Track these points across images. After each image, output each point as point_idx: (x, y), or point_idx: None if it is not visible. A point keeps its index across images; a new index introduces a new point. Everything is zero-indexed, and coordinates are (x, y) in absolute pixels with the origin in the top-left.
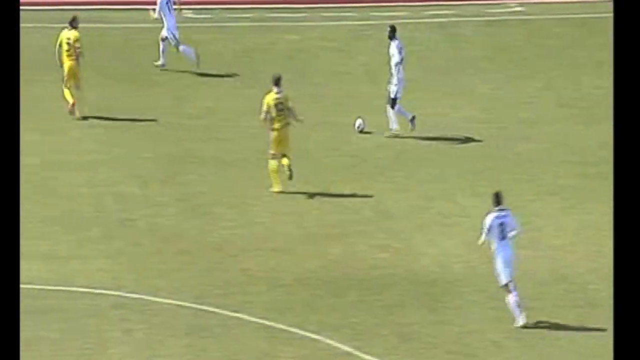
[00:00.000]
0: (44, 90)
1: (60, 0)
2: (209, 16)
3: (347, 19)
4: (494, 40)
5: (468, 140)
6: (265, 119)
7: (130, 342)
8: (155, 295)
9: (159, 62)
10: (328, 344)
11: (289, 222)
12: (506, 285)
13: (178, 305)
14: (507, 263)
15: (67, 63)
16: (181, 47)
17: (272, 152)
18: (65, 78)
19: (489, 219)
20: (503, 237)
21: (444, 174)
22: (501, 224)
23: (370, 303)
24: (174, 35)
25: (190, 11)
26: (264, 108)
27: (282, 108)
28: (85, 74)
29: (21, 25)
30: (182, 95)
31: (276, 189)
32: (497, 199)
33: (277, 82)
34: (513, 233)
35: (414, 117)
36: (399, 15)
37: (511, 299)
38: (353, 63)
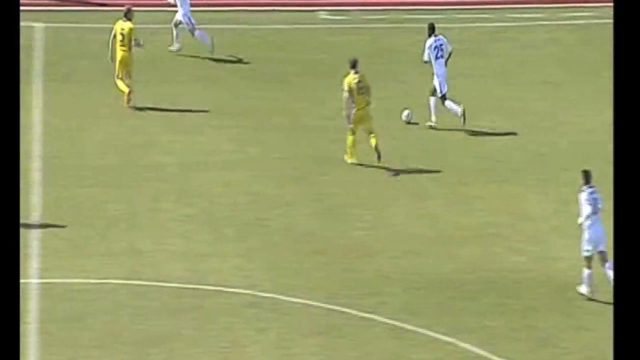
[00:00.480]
0: (179, 91)
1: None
2: (345, 17)
3: (483, 20)
4: None
5: (606, 143)
6: (347, 99)
7: (264, 340)
8: (288, 295)
9: (174, 47)
10: (461, 347)
11: (424, 224)
12: (588, 257)
13: (311, 304)
14: (598, 237)
15: (120, 54)
16: (196, 32)
17: (351, 126)
18: (117, 69)
19: (584, 197)
20: (595, 211)
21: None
22: (594, 199)
23: (505, 306)
24: (189, 20)
25: (326, 12)
26: (346, 89)
27: (362, 86)
28: (219, 74)
29: (155, 26)
30: (318, 96)
31: (350, 160)
32: (587, 177)
33: (354, 65)
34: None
35: (464, 111)
36: (536, 17)
37: (586, 272)
38: (488, 65)
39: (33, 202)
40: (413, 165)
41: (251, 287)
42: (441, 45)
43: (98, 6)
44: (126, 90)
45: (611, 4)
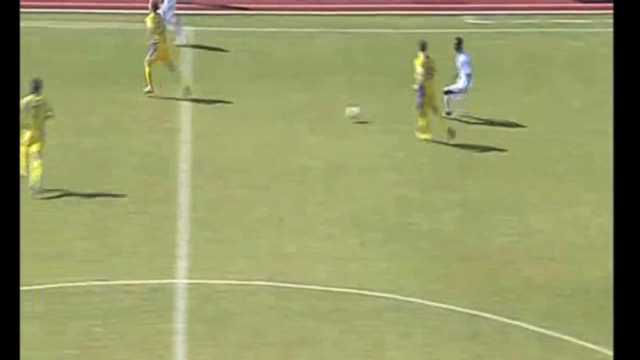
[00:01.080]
0: (327, 94)
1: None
2: (491, 22)
3: None
4: None
5: None
6: (423, 79)
7: (407, 345)
8: (432, 300)
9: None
10: (608, 356)
11: (571, 231)
12: None
13: (455, 310)
14: None
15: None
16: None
17: (423, 109)
18: (153, 59)
19: None
20: None
21: None
22: None
23: None
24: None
25: (472, 17)
26: (420, 71)
27: (431, 66)
28: (365, 78)
29: (308, 30)
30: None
31: (424, 136)
32: None
33: (423, 47)
34: None
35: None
36: None
37: None
38: None
39: (181, 203)
40: (559, 171)
41: (395, 291)
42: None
43: (239, 10)
44: (148, 79)
45: None
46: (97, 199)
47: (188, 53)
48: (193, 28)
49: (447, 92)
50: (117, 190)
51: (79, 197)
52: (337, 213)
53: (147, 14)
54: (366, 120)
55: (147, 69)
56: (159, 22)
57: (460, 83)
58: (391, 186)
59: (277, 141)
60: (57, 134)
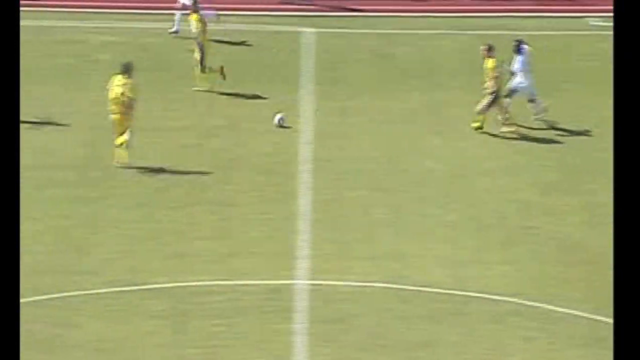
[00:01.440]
0: (448, 96)
1: (471, 8)
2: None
3: None
4: None
5: None
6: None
7: (529, 349)
8: (554, 304)
9: (172, 30)
10: None
11: None
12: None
13: (577, 315)
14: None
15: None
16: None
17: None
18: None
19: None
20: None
21: None
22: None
23: None
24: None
25: (595, 19)
26: (494, 74)
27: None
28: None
29: (429, 31)
30: (587, 103)
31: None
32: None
33: (490, 49)
34: None
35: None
36: None
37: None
38: None
39: (303, 205)
40: None
41: (516, 295)
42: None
43: (358, 11)
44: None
45: None
46: (220, 199)
47: (311, 54)
48: (314, 30)
49: (511, 92)
50: (238, 190)
51: (202, 197)
52: (457, 216)
53: (190, 14)
54: (289, 126)
55: (205, 69)
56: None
57: (519, 79)
58: (512, 189)
59: (398, 143)
60: (181, 135)
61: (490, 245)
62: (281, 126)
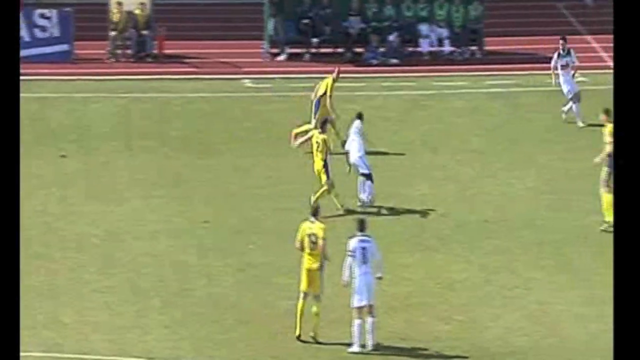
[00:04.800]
0: (104, 160)
1: (126, 71)
2: (269, 85)
3: (407, 88)
4: (556, 110)
5: (531, 211)
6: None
7: None
8: None
9: None
10: None
11: (344, 295)
12: (358, 308)
13: None
14: (366, 287)
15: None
16: None
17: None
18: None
19: (352, 243)
20: (364, 261)
21: (507, 245)
22: (363, 249)
23: None
24: None
25: (249, 81)
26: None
27: None
28: (146, 143)
29: (88, 95)
30: (243, 165)
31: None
32: (361, 225)
33: (608, 112)
34: (377, 259)
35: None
36: (459, 85)
37: (358, 325)
38: (413, 133)
39: None
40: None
41: (176, 359)
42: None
43: None
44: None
45: (533, 73)
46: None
47: None
48: None
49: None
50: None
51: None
52: (115, 281)
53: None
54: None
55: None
56: None
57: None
58: (170, 252)
59: (54, 208)
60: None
61: (148, 310)
62: None
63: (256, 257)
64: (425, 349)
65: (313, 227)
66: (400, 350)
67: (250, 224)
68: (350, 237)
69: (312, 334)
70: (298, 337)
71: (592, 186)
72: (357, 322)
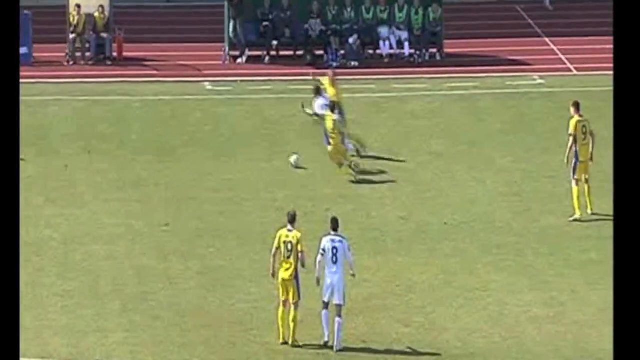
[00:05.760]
0: (63, 162)
1: (85, 74)
2: (229, 88)
3: (367, 91)
4: (515, 112)
5: (490, 213)
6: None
7: None
8: None
9: None
10: None
11: (311, 297)
12: (326, 303)
13: None
14: (334, 285)
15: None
16: None
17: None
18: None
19: (324, 241)
20: (335, 261)
21: (466, 248)
22: (334, 248)
23: None
24: None
25: (209, 83)
26: (571, 132)
27: (586, 131)
28: (105, 146)
29: (47, 97)
30: (203, 168)
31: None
32: (334, 224)
33: (577, 105)
34: (350, 260)
35: None
36: (419, 88)
37: (325, 315)
38: (373, 135)
39: None
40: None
41: None
42: (328, 104)
43: None
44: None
45: (493, 75)
46: None
47: None
48: None
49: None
50: None
51: None
52: (74, 285)
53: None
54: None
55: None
56: None
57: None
58: (130, 256)
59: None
60: None
61: (108, 313)
62: (298, 167)
63: (216, 260)
64: (386, 351)
65: (290, 235)
66: (360, 352)
67: (211, 227)
68: (323, 236)
69: (290, 340)
70: (284, 344)
71: (551, 188)
72: (324, 312)
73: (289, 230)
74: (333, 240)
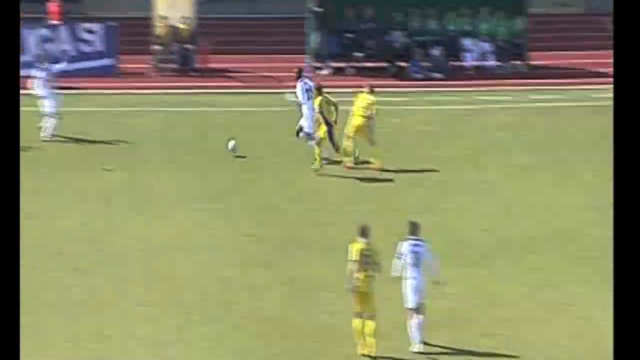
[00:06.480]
0: (149, 174)
1: (169, 85)
2: None
3: (451, 102)
4: (599, 125)
5: (575, 227)
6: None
7: None
8: None
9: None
10: None
11: (396, 309)
12: (412, 309)
13: None
14: (417, 289)
15: (358, 120)
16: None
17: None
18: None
19: (404, 247)
20: (416, 265)
21: (550, 261)
22: (414, 252)
23: None
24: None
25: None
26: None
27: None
28: (190, 157)
29: (132, 108)
30: (286, 178)
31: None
32: (413, 229)
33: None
34: (434, 266)
35: None
36: (503, 99)
37: (414, 322)
38: (457, 148)
39: None
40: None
41: None
42: (310, 87)
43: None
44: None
45: (578, 87)
46: None
47: None
48: None
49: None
50: None
51: None
52: (157, 295)
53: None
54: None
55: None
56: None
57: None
58: (213, 266)
59: (97, 222)
60: None
61: (191, 323)
62: (235, 154)
63: (300, 270)
64: None
65: (366, 247)
66: None
67: (294, 237)
68: (403, 241)
69: (368, 352)
70: (363, 355)
71: None
72: (413, 320)
73: (365, 243)
74: (413, 245)
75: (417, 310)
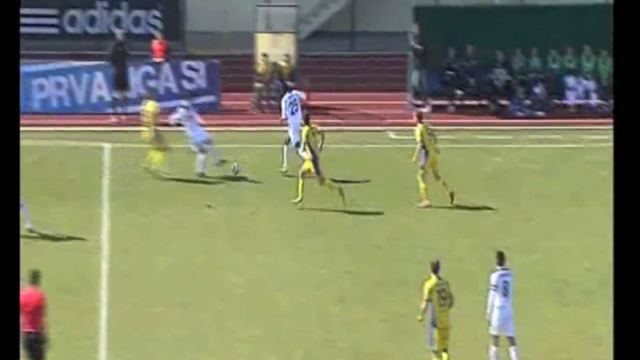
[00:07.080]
0: (252, 210)
1: (271, 122)
2: (412, 137)
3: (553, 141)
4: None
5: None
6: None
7: None
8: None
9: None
10: None
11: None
12: (495, 337)
13: None
14: (506, 319)
15: (432, 153)
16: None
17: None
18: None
19: (494, 277)
20: (505, 294)
21: None
22: (505, 282)
23: None
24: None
25: (392, 132)
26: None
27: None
28: (289, 194)
29: (234, 145)
30: (384, 215)
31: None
32: (500, 259)
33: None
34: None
35: None
36: (606, 139)
37: (493, 351)
38: (559, 185)
39: (97, 322)
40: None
41: None
42: (294, 100)
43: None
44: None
45: None
46: None
47: (108, 169)
48: (109, 145)
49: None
50: None
51: None
52: (257, 330)
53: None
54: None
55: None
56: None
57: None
58: (313, 302)
59: (198, 257)
60: None
61: (292, 359)
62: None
63: (399, 308)
64: None
65: (440, 282)
66: None
67: (393, 274)
68: (492, 272)
69: None
70: None
71: None
72: (493, 348)
73: (439, 278)
74: (503, 275)
75: (512, 342)
